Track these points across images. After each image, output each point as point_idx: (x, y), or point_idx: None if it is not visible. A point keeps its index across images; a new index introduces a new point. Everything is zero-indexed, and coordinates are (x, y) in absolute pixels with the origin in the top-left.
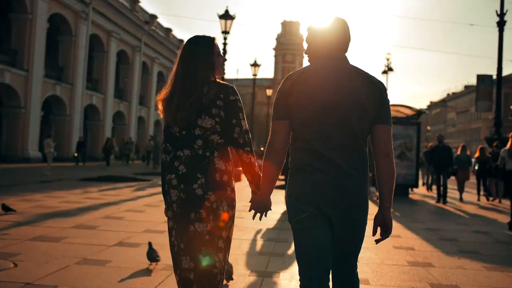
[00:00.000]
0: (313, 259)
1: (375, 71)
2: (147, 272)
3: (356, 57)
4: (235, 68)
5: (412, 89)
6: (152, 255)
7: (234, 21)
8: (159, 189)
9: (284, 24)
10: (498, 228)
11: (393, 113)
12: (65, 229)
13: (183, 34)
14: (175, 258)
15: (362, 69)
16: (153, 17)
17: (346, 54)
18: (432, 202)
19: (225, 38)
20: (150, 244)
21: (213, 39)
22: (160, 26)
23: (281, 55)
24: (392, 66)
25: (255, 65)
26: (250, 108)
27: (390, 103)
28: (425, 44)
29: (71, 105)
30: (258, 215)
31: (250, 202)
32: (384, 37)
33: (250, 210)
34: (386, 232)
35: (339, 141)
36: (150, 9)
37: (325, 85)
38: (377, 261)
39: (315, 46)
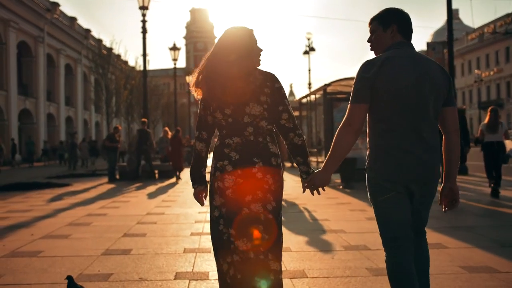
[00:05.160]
0: (401, 232)
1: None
2: None
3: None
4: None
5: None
6: None
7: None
8: (83, 196)
9: (193, 12)
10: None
11: (347, 88)
12: None
13: (89, 23)
14: (222, 247)
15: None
16: (55, 4)
17: None
18: None
19: (143, 15)
20: (70, 278)
21: (252, 30)
22: (63, 14)
23: (192, 43)
24: (314, 46)
25: (174, 48)
26: (167, 98)
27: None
28: (358, 17)
29: None
30: (315, 191)
31: (305, 179)
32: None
33: (307, 187)
34: (455, 203)
35: (421, 122)
36: None
37: (408, 71)
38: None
39: (390, 35)
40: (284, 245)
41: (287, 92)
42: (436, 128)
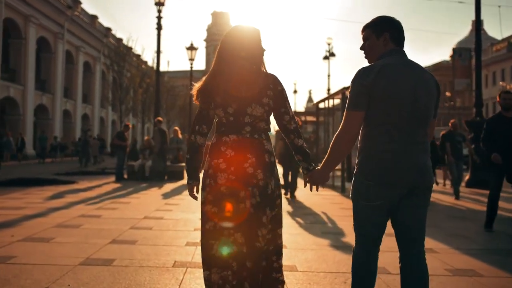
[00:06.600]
0: (373, 234)
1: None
2: None
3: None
4: (165, 60)
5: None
6: None
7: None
8: (85, 194)
9: (215, 15)
10: None
11: None
12: None
13: (109, 22)
14: (209, 242)
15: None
16: (76, 2)
17: None
18: None
19: (159, 11)
20: None
21: (259, 30)
22: (84, 12)
23: (212, 46)
24: (334, 51)
25: (191, 48)
26: (184, 99)
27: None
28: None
29: None
30: (314, 187)
31: (306, 175)
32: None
33: (307, 183)
34: None
35: (417, 127)
36: None
37: (405, 78)
38: None
39: (382, 43)
40: (290, 263)
41: (305, 98)
42: (427, 132)
